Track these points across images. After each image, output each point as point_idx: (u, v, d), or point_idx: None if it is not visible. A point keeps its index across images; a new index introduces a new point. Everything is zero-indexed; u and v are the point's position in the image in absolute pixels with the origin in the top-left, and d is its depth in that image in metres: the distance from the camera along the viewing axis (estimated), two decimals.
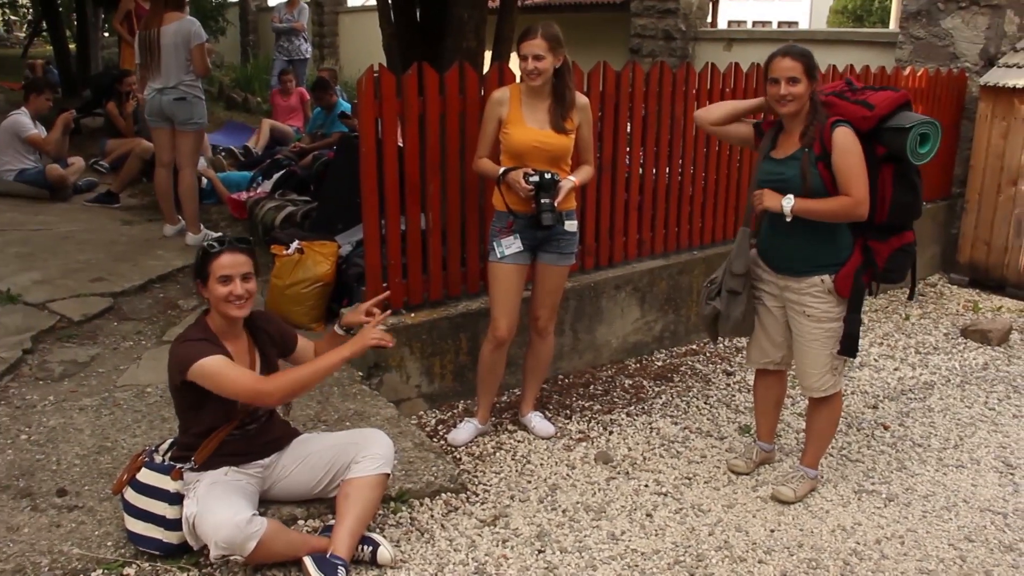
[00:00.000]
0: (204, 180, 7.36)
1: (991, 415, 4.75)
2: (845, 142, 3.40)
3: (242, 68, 16.20)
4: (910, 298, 4.20)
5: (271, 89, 11.66)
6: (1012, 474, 4.12)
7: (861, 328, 3.67)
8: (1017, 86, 6.63)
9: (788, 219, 3.44)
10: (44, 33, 18.93)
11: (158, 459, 3.11)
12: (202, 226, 6.43)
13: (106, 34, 16.56)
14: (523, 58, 3.75)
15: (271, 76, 12.23)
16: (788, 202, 3.43)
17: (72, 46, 15.16)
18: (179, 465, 3.06)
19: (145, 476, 3.06)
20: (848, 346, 3.61)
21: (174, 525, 3.00)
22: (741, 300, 3.71)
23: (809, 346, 3.63)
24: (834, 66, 5.96)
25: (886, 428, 4.54)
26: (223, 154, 8.63)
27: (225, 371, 2.93)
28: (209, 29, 10.79)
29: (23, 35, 26.47)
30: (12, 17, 26.58)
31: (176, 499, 3.01)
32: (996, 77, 6.80)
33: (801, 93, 3.42)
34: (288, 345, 3.29)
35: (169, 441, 3.21)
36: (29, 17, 24.29)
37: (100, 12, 14.27)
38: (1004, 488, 3.99)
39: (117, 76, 9.09)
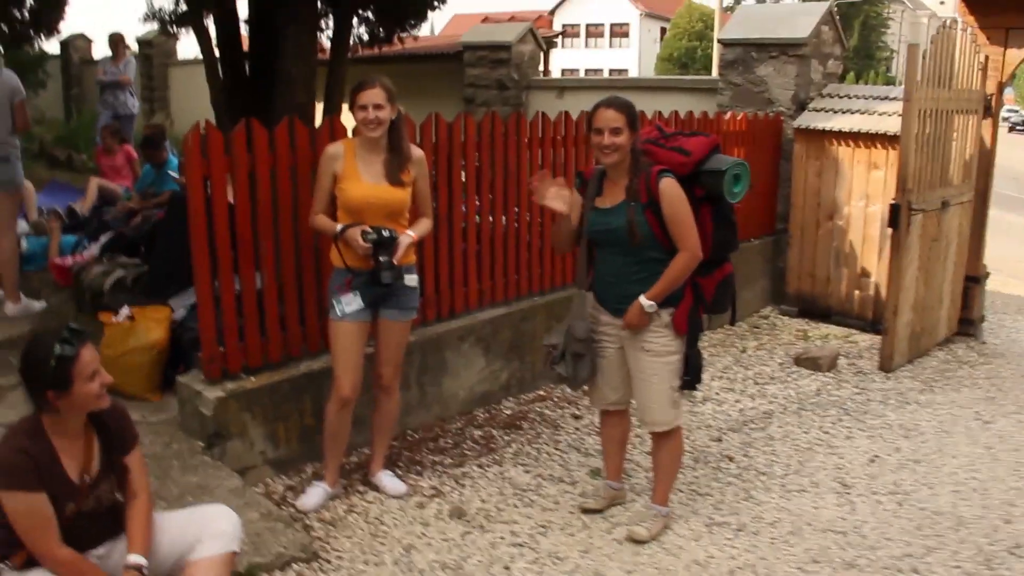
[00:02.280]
0: (24, 244, 6.91)
1: (826, 438, 4.98)
2: (673, 192, 3.53)
3: (65, 124, 15.41)
4: (731, 323, 4.39)
5: (96, 147, 11.12)
6: (848, 493, 4.32)
7: (701, 362, 3.81)
8: (826, 128, 7.09)
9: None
10: None
11: None
12: (22, 295, 6.02)
13: None
14: (361, 108, 3.71)
15: (96, 132, 11.68)
16: (649, 306, 3.57)
17: None
18: None
19: None
20: (693, 378, 3.76)
21: None
22: (587, 361, 3.78)
23: (649, 381, 3.70)
24: (660, 112, 6.19)
25: (731, 459, 4.68)
26: (46, 217, 8.13)
27: (24, 519, 2.70)
28: (28, 83, 10.19)
29: None
30: None
31: None
32: (807, 120, 7.25)
33: (623, 143, 3.53)
34: (125, 447, 2.98)
35: None
36: None
37: None
38: (842, 508, 4.17)
39: None
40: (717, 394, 5.64)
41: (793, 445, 4.88)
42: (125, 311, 4.79)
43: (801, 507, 4.18)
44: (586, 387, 3.99)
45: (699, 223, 3.60)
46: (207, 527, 3.01)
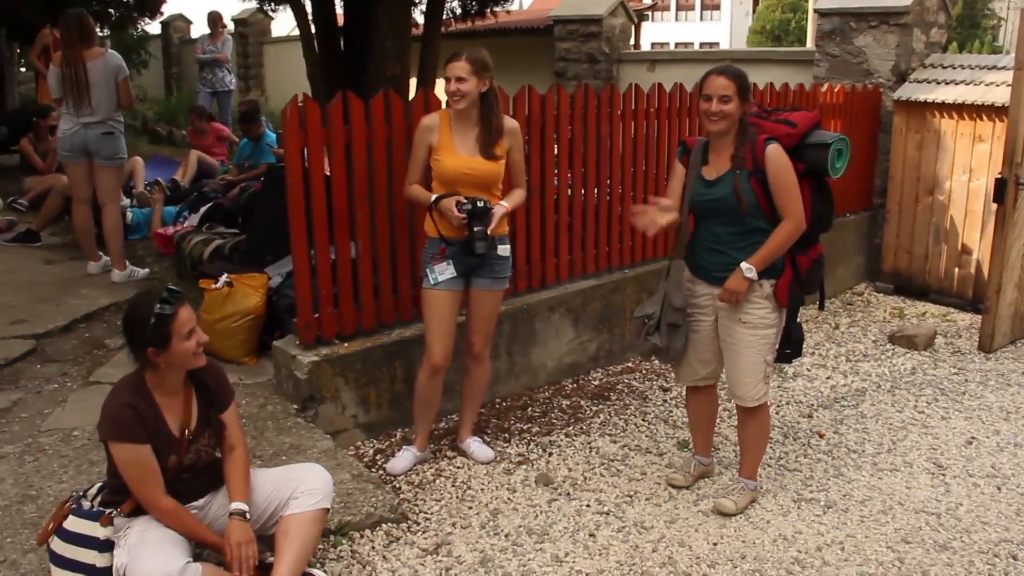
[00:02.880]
0: (128, 215, 7.20)
1: (921, 418, 4.86)
2: (779, 159, 3.51)
3: (165, 101, 15.93)
4: (820, 308, 4.35)
5: (188, 129, 11.39)
6: (943, 475, 4.21)
7: (803, 334, 3.83)
8: (928, 100, 6.85)
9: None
10: None
11: (86, 504, 2.97)
12: (128, 262, 6.29)
13: (22, 69, 16.16)
14: (446, 80, 3.76)
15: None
16: (748, 269, 3.52)
17: None
18: (108, 510, 2.94)
19: (72, 524, 2.92)
20: (794, 351, 3.78)
21: (104, 574, 2.87)
22: (682, 332, 3.76)
23: (743, 353, 3.68)
24: (755, 84, 6.07)
25: (821, 436, 4.61)
26: (150, 189, 8.45)
27: (132, 469, 2.86)
28: (131, 62, 10.63)
29: None
30: None
31: (106, 546, 2.88)
32: (908, 92, 7.02)
33: (731, 111, 3.50)
34: (222, 404, 3.13)
35: (98, 485, 3.08)
36: None
37: (15, 46, 13.92)
38: (936, 489, 4.08)
39: (37, 111, 8.85)
40: (808, 370, 5.55)
41: (886, 424, 4.78)
42: (224, 278, 4.94)
43: (893, 486, 4.10)
44: (673, 362, 3.98)
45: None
46: (301, 484, 3.13)
